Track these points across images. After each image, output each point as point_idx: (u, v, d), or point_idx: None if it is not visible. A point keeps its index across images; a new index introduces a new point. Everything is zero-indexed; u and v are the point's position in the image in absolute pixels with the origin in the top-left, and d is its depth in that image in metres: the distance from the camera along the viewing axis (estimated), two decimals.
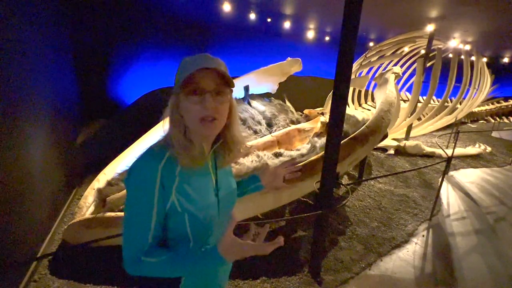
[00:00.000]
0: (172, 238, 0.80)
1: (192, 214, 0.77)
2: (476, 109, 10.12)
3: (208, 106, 0.73)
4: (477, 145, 6.24)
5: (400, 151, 5.64)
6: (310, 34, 7.62)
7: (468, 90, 6.53)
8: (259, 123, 3.87)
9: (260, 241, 0.69)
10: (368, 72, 6.87)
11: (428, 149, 5.64)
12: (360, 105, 7.53)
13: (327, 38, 8.27)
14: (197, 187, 0.79)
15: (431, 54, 6.21)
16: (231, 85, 0.78)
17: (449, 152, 4.14)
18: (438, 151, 5.60)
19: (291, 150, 3.34)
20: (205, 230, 0.81)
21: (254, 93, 4.51)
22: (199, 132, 0.77)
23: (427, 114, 6.85)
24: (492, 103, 11.15)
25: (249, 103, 4.13)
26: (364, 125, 3.25)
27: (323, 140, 3.17)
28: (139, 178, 0.73)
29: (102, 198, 2.54)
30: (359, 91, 7.46)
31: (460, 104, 6.98)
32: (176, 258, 0.73)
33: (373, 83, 7.28)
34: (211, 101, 0.73)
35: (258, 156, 2.82)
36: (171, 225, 0.78)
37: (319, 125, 4.00)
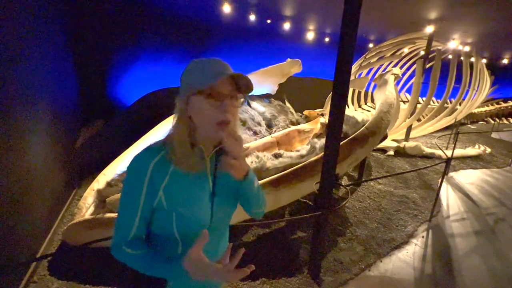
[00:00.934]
0: (160, 235, 0.81)
1: (180, 214, 0.77)
2: (476, 110, 10.13)
3: (227, 111, 0.75)
4: (476, 146, 6.24)
5: (399, 152, 5.64)
6: (310, 35, 7.64)
7: (467, 91, 6.54)
8: (259, 124, 3.88)
9: (230, 267, 0.68)
10: (367, 73, 6.88)
11: (428, 150, 5.64)
12: (359, 106, 7.54)
13: (326, 39, 8.29)
14: (189, 189, 0.79)
15: (430, 55, 6.22)
16: (249, 89, 0.79)
17: (448, 153, 4.15)
18: (438, 152, 5.60)
19: (291, 151, 3.34)
20: (194, 232, 0.80)
21: (254, 94, 4.52)
22: (212, 135, 0.78)
23: (426, 115, 6.86)
24: (492, 104, 11.16)
25: (248, 104, 4.14)
26: (364, 126, 3.26)
27: (322, 141, 3.18)
28: (131, 172, 0.77)
29: (101, 199, 2.55)
30: (359, 92, 7.47)
31: (460, 105, 6.99)
32: (149, 257, 0.75)
33: (372, 84, 7.30)
34: (229, 106, 0.75)
35: (257, 157, 2.83)
36: (158, 222, 0.80)
37: (318, 126, 4.01)
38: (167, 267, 0.73)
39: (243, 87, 0.78)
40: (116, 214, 2.34)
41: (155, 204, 0.78)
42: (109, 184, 2.73)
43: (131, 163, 0.77)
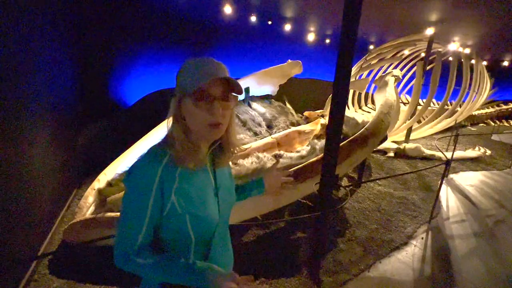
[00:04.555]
0: (172, 239, 0.80)
1: (193, 214, 0.78)
2: (476, 112, 10.13)
3: (216, 113, 0.75)
4: (477, 148, 6.25)
5: (399, 154, 5.65)
6: (311, 37, 7.66)
7: (467, 93, 6.55)
8: (259, 124, 3.89)
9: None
10: (368, 75, 6.89)
11: (428, 152, 5.64)
12: (360, 107, 7.55)
13: (327, 41, 8.31)
14: (197, 187, 0.81)
15: (431, 57, 6.23)
16: (239, 92, 0.79)
17: (448, 155, 4.16)
18: (438, 153, 5.60)
19: (291, 151, 3.35)
20: (208, 229, 0.82)
21: (255, 95, 4.53)
22: (204, 136, 0.79)
23: (427, 117, 6.87)
24: (492, 106, 11.16)
25: (249, 105, 4.15)
26: (364, 128, 3.27)
27: (323, 142, 3.18)
28: (138, 178, 0.74)
29: (102, 199, 2.56)
30: (359, 94, 7.48)
31: (460, 107, 7.00)
32: (163, 264, 0.74)
33: (373, 85, 7.32)
34: (219, 108, 0.75)
35: (258, 157, 2.84)
36: (171, 226, 0.78)
37: (319, 127, 4.02)
38: (188, 275, 0.73)
39: (236, 88, 0.78)
40: (117, 213, 2.35)
41: (167, 210, 0.76)
42: (109, 184, 2.75)
43: (136, 168, 0.75)
